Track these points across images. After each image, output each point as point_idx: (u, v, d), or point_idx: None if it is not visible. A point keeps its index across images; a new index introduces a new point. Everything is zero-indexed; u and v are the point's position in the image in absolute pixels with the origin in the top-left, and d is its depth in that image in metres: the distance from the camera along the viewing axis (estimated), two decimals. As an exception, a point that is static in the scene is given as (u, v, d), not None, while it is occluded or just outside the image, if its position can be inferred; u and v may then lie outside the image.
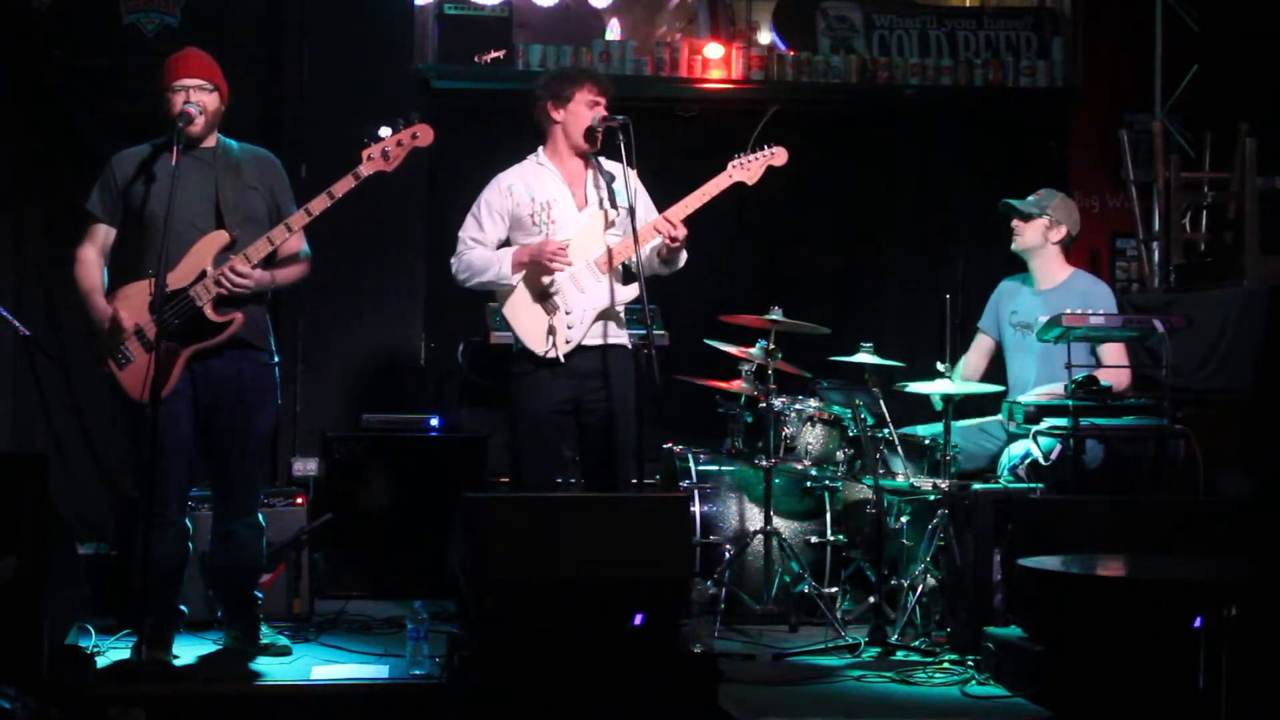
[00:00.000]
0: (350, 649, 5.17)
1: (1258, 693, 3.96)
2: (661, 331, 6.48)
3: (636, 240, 5.06)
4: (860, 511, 5.86)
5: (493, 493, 5.92)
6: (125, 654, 4.81)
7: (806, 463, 5.88)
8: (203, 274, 4.73)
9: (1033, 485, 5.34)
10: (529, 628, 4.28)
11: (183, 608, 5.07)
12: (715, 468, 6.01)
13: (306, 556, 5.66)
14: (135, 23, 6.74)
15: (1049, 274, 5.92)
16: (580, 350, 5.17)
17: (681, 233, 5.13)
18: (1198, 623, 3.66)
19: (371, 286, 6.80)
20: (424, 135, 4.89)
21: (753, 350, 5.83)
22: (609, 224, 5.24)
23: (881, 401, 5.72)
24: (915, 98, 7.36)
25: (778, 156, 5.29)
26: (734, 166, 5.24)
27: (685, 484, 5.91)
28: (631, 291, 5.20)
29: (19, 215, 6.64)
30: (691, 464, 5.98)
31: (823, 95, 7.36)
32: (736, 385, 5.96)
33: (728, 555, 5.76)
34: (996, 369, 6.07)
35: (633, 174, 5.15)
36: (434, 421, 6.51)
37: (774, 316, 5.72)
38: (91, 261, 4.85)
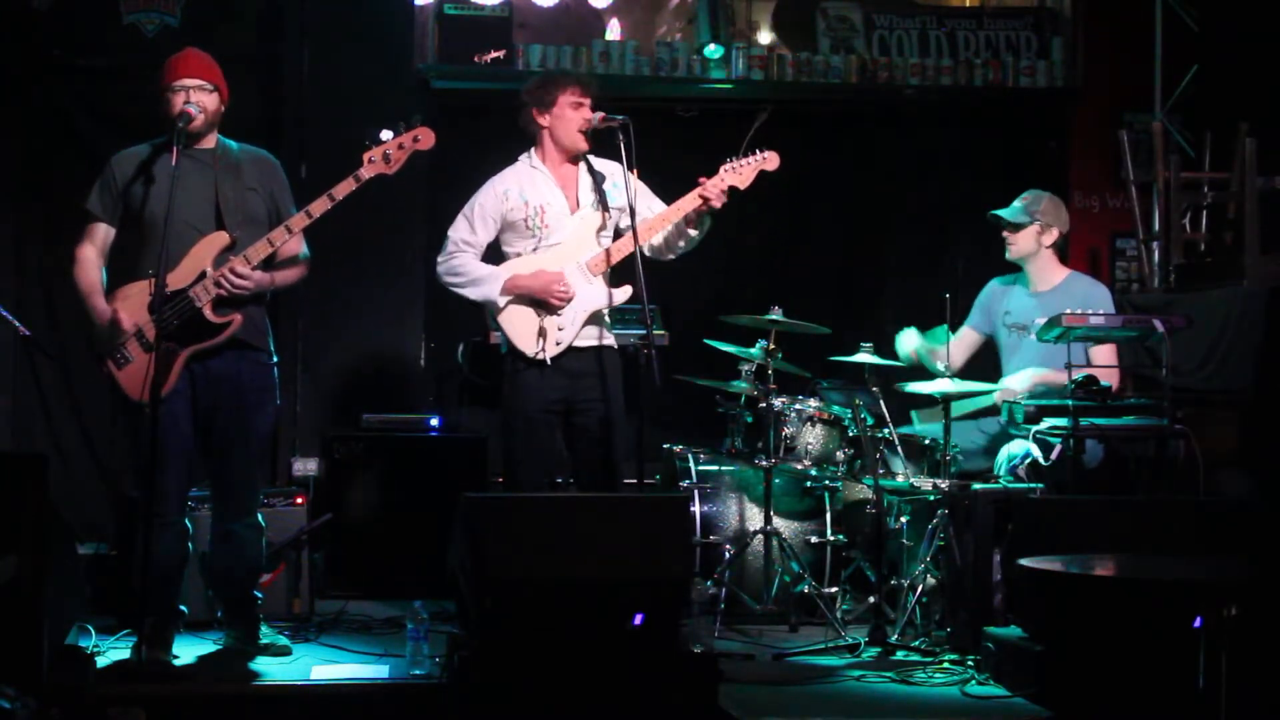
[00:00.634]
0: (350, 649, 5.16)
1: (1258, 693, 3.96)
2: (661, 331, 6.49)
3: (637, 239, 5.05)
4: (860, 511, 5.86)
5: (492, 493, 5.92)
6: (125, 654, 4.81)
7: (806, 463, 5.88)
8: (202, 275, 4.73)
9: (1033, 485, 5.34)
10: (529, 628, 4.28)
11: (183, 608, 5.08)
12: (715, 468, 6.01)
13: (306, 556, 5.65)
14: (135, 23, 6.74)
15: (1045, 277, 5.92)
16: (572, 351, 5.17)
17: (720, 196, 5.15)
18: (1198, 623, 3.66)
19: (371, 287, 6.80)
20: (425, 138, 4.88)
21: (753, 350, 5.83)
22: (601, 226, 5.25)
23: (881, 401, 5.72)
24: (915, 98, 7.36)
25: (769, 161, 5.28)
26: (726, 170, 5.24)
27: (685, 484, 5.91)
28: (623, 294, 5.21)
29: (19, 215, 6.64)
30: (691, 464, 5.98)
31: (823, 95, 7.36)
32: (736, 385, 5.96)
33: (728, 555, 5.76)
34: (986, 365, 6.06)
35: (632, 174, 5.15)
36: (434, 421, 6.51)
37: (774, 316, 5.72)
38: (90, 261, 4.85)
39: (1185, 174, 6.86)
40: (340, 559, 6.09)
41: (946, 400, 5.46)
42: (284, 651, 4.98)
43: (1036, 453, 5.38)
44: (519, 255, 5.23)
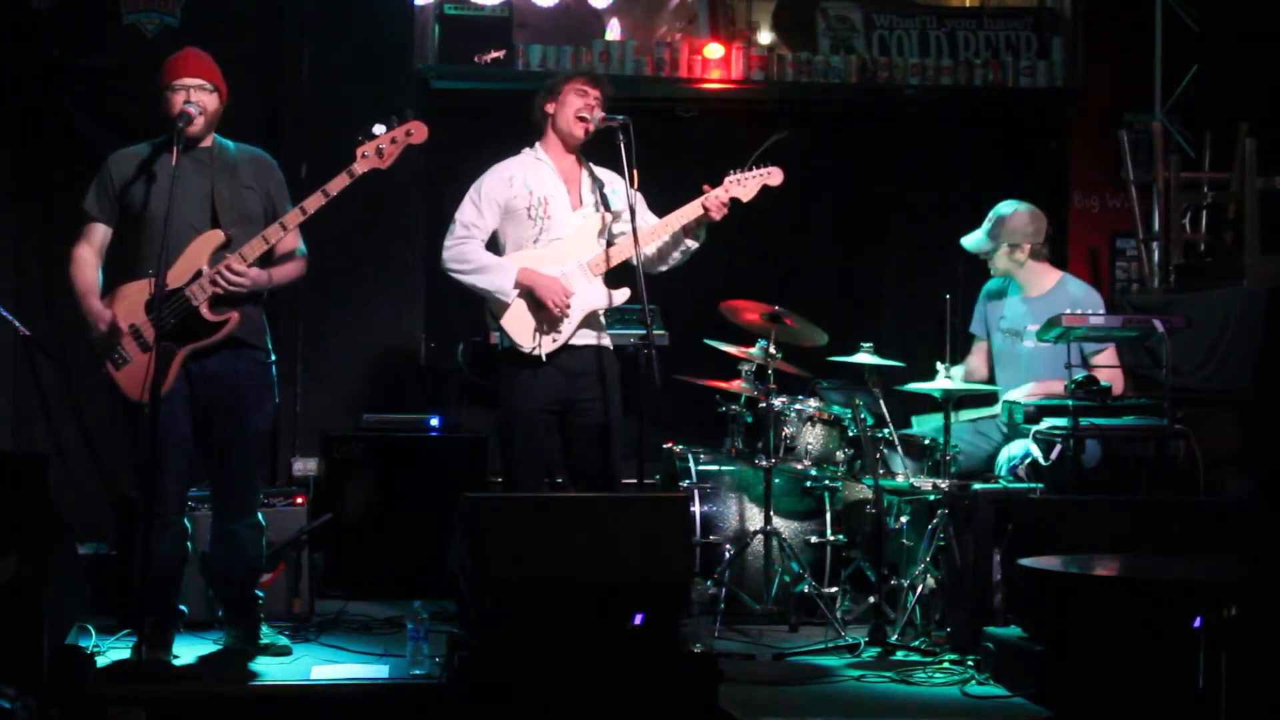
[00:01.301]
0: (350, 649, 5.16)
1: (1258, 693, 3.96)
2: (661, 331, 6.48)
3: (637, 243, 5.06)
4: (860, 511, 5.86)
5: (492, 493, 5.92)
6: (125, 654, 4.81)
7: (806, 463, 5.89)
8: (198, 273, 4.73)
9: (1033, 485, 5.34)
10: (529, 628, 4.28)
11: (182, 608, 5.07)
12: (715, 468, 6.01)
13: (306, 556, 5.65)
14: (135, 23, 6.74)
15: (1036, 283, 5.91)
16: (569, 350, 5.16)
17: (721, 209, 5.17)
18: (1198, 623, 3.66)
19: (371, 287, 6.80)
20: (418, 132, 4.87)
21: (753, 350, 5.82)
22: (602, 228, 5.25)
23: (881, 401, 5.72)
24: (915, 98, 7.36)
25: (773, 176, 5.28)
26: (730, 181, 5.24)
27: (685, 484, 5.91)
28: (622, 295, 5.21)
29: (19, 215, 6.65)
30: (691, 464, 5.98)
31: (823, 95, 7.36)
32: (736, 385, 5.96)
33: (728, 555, 5.76)
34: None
35: (632, 186, 5.15)
36: (434, 421, 6.51)
37: (774, 315, 5.72)
38: (87, 261, 4.84)
39: (1185, 174, 6.87)
40: (340, 559, 6.09)
41: (946, 400, 5.46)
42: (284, 651, 4.98)
43: (1036, 453, 5.38)
44: (519, 247, 5.22)
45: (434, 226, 6.62)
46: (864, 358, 5.69)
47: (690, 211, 5.16)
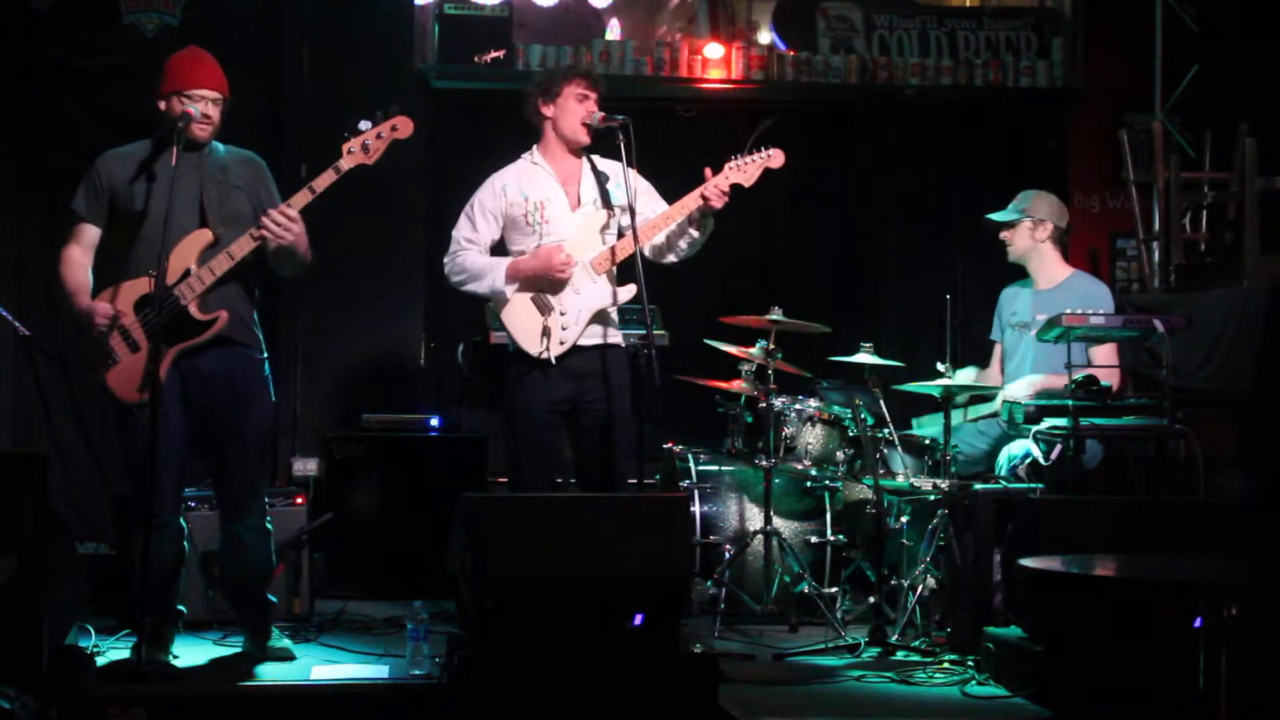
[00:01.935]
0: (350, 649, 5.16)
1: (1258, 693, 3.96)
2: (661, 331, 6.48)
3: (636, 239, 5.05)
4: (860, 511, 5.86)
5: (493, 493, 5.92)
6: (125, 654, 4.81)
7: (806, 463, 5.89)
8: (187, 273, 4.72)
9: (1033, 485, 5.34)
10: (529, 628, 4.28)
11: (181, 608, 5.07)
12: (715, 468, 6.01)
13: (306, 556, 5.65)
14: (135, 23, 6.74)
15: (1047, 274, 5.94)
16: (577, 350, 5.16)
17: (721, 202, 5.14)
18: (1198, 623, 3.66)
19: (371, 286, 6.80)
20: (403, 127, 4.86)
21: (753, 350, 5.82)
22: (604, 224, 5.24)
23: (881, 401, 5.72)
24: (915, 98, 7.36)
25: (774, 159, 5.27)
26: (730, 168, 5.23)
27: (685, 484, 5.91)
28: (627, 292, 5.19)
29: (19, 215, 6.64)
30: (691, 464, 5.98)
31: (823, 95, 7.37)
32: (736, 385, 5.96)
33: (728, 555, 5.76)
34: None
35: (632, 172, 5.14)
36: (434, 421, 6.51)
37: (774, 316, 5.72)
38: (77, 261, 4.83)
39: (1185, 174, 6.87)
40: (340, 559, 6.09)
41: (946, 399, 5.46)
42: (287, 656, 4.97)
43: (1036, 453, 5.38)
44: (521, 254, 5.22)
45: (434, 227, 6.64)
46: (864, 358, 5.69)
47: (690, 202, 5.15)
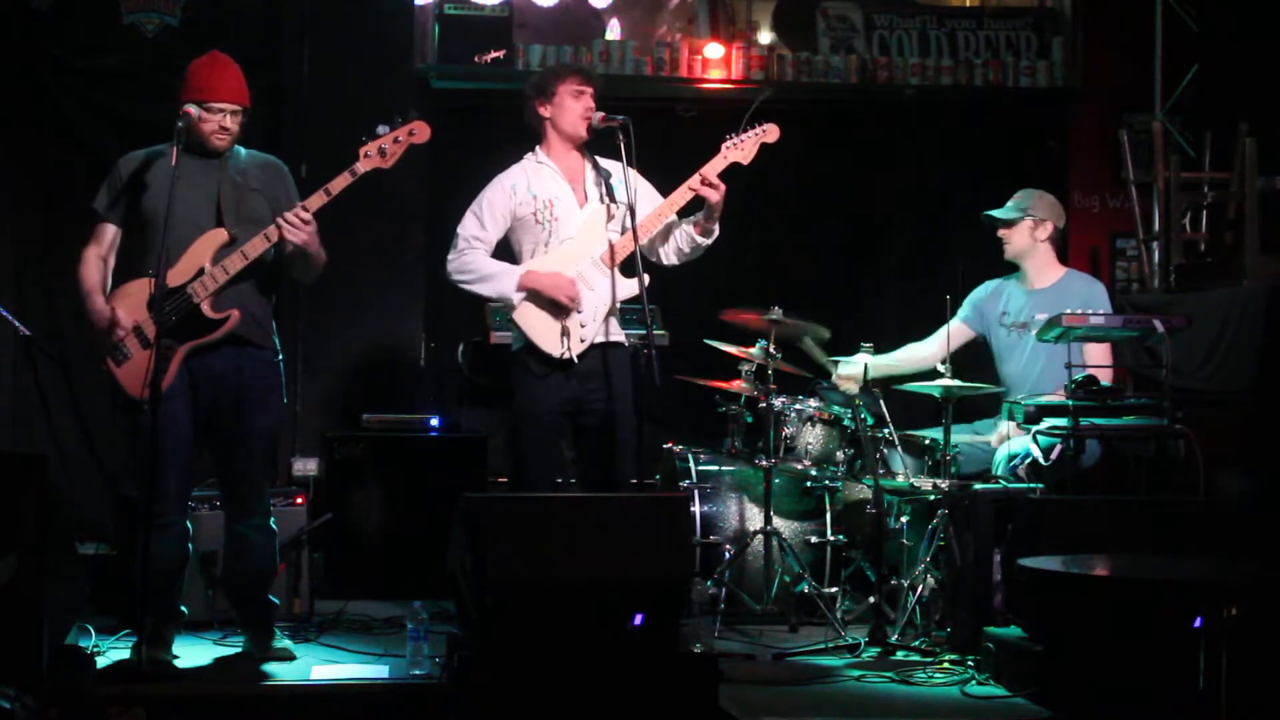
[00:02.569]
0: (350, 649, 5.16)
1: (1258, 693, 3.96)
2: (661, 331, 6.49)
3: (636, 238, 5.05)
4: (860, 511, 5.86)
5: (493, 493, 5.92)
6: (125, 654, 4.81)
7: (806, 463, 5.89)
8: (200, 271, 4.74)
9: (1033, 485, 5.34)
10: (529, 628, 4.28)
11: (182, 608, 5.07)
12: (715, 468, 6.01)
13: (306, 556, 5.65)
14: (135, 23, 6.74)
15: (1042, 274, 5.94)
16: (587, 349, 5.16)
17: (718, 193, 5.14)
18: (1198, 623, 3.66)
19: (371, 286, 6.79)
20: (421, 132, 4.89)
21: (753, 350, 5.82)
22: (610, 218, 5.24)
23: (881, 401, 5.72)
24: (915, 98, 7.36)
25: (769, 133, 5.27)
26: (728, 147, 5.24)
27: (685, 484, 5.91)
28: (633, 286, 5.18)
29: (19, 215, 6.64)
30: (691, 464, 5.98)
31: (823, 95, 7.36)
32: (736, 385, 5.96)
33: (728, 555, 5.76)
34: (978, 365, 6.06)
35: (633, 171, 5.14)
36: (434, 421, 6.51)
37: (774, 316, 5.72)
38: (94, 261, 4.85)
39: (1185, 174, 6.86)
40: (340, 559, 6.08)
41: (947, 400, 5.46)
42: (287, 656, 4.97)
43: (1036, 452, 5.38)
44: (532, 253, 5.21)
45: (434, 227, 6.64)
46: (864, 357, 5.69)
47: (681, 195, 5.15)
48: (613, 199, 5.21)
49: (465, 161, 6.24)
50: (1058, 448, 5.33)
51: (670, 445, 6.16)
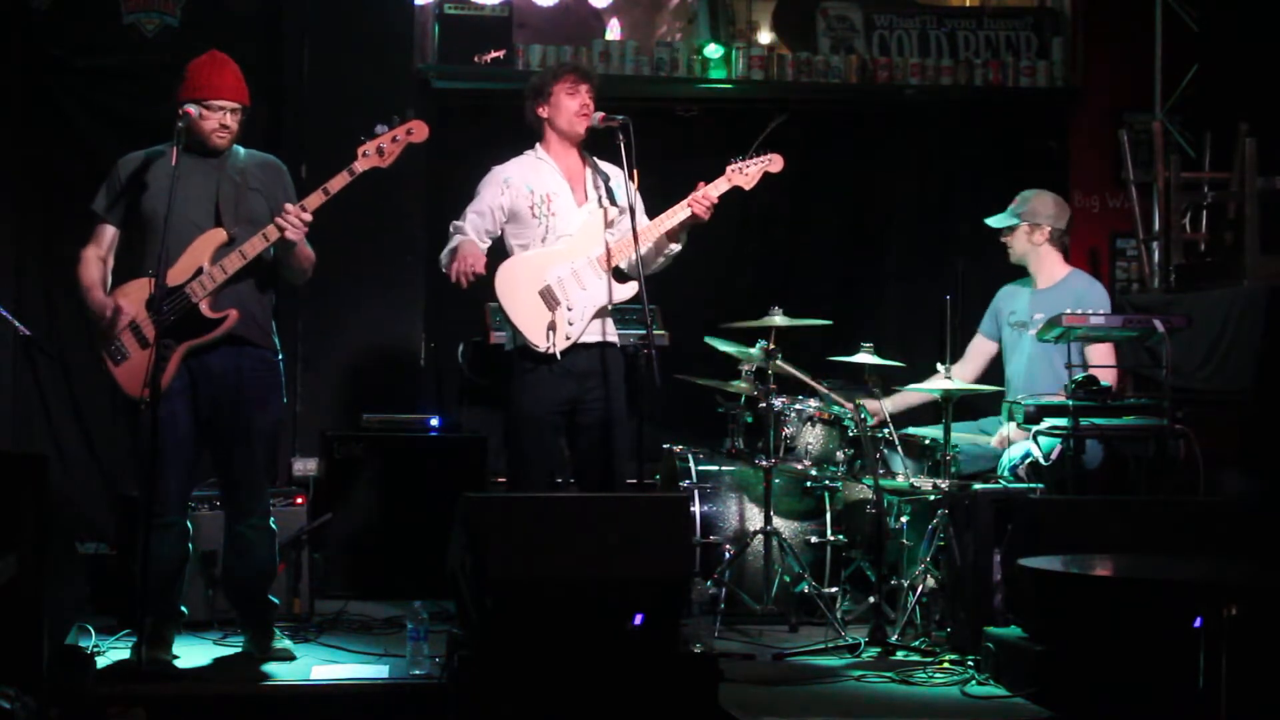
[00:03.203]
0: (350, 649, 5.16)
1: (1258, 693, 3.96)
2: (661, 331, 6.48)
3: (637, 241, 5.06)
4: (860, 511, 5.86)
5: (492, 493, 5.92)
6: (125, 654, 4.80)
7: (806, 463, 5.89)
8: (199, 270, 4.73)
9: (1033, 485, 5.34)
10: (529, 628, 4.28)
11: (182, 608, 5.07)
12: (715, 468, 6.01)
13: (306, 556, 5.65)
14: (135, 23, 6.74)
15: (1047, 273, 5.95)
16: (579, 348, 5.16)
17: (709, 214, 5.15)
18: (1198, 623, 3.66)
19: (371, 286, 6.79)
20: (419, 131, 4.89)
21: (752, 351, 5.82)
22: (608, 222, 5.24)
23: (878, 391, 5.72)
24: (915, 98, 7.36)
25: (774, 163, 5.28)
26: (732, 170, 5.25)
27: (685, 484, 5.91)
28: (629, 290, 5.20)
29: (19, 215, 6.64)
30: (691, 464, 5.98)
31: (823, 95, 7.36)
32: (736, 385, 5.96)
33: (728, 555, 5.76)
34: (996, 371, 6.08)
35: (632, 185, 5.15)
36: (434, 421, 6.51)
37: (774, 317, 5.71)
38: (93, 261, 4.85)
39: (1185, 174, 6.86)
40: (340, 559, 6.09)
41: (946, 400, 5.46)
42: (287, 656, 4.97)
43: (1036, 453, 5.38)
44: (526, 248, 5.22)
45: (434, 227, 6.63)
46: (864, 358, 5.69)
47: (678, 212, 5.16)
48: (612, 202, 5.22)
49: (465, 161, 6.22)
50: (1058, 448, 5.33)
51: (670, 445, 6.16)
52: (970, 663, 4.96)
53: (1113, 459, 5.58)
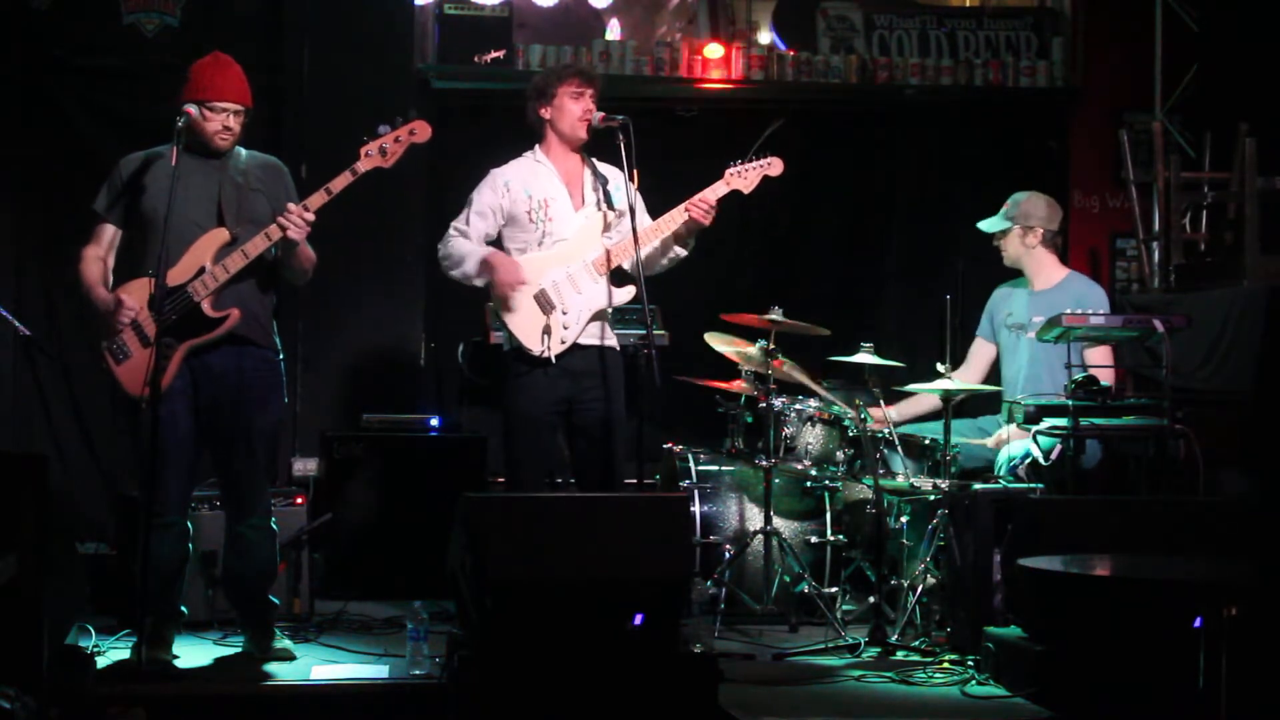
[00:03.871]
0: (350, 649, 5.16)
1: (1258, 693, 3.96)
2: (661, 331, 6.48)
3: (637, 241, 5.06)
4: (860, 511, 5.86)
5: (492, 493, 5.92)
6: (125, 654, 4.81)
7: (806, 463, 5.89)
8: (201, 270, 4.74)
9: (1033, 485, 5.34)
10: (529, 628, 4.28)
11: (182, 608, 5.07)
12: (715, 468, 6.01)
13: (306, 556, 5.65)
14: (135, 23, 6.74)
15: (1043, 275, 5.95)
16: (576, 350, 5.17)
17: (710, 218, 5.15)
18: (1198, 623, 3.66)
19: (371, 286, 6.79)
20: (421, 132, 4.90)
21: (752, 351, 5.82)
22: (606, 226, 5.25)
23: (882, 402, 5.72)
24: (915, 98, 7.36)
25: (773, 167, 5.28)
26: (731, 174, 5.25)
27: (685, 484, 5.91)
28: (626, 293, 5.21)
29: (19, 215, 6.64)
30: (691, 464, 5.98)
31: (823, 95, 7.36)
32: (736, 385, 5.96)
33: (728, 555, 5.76)
34: (997, 372, 6.08)
35: (632, 186, 5.15)
36: (434, 421, 6.51)
37: (774, 316, 5.71)
38: (94, 260, 4.86)
39: (1185, 174, 6.86)
40: (340, 559, 6.08)
41: (946, 400, 5.46)
42: (287, 656, 4.97)
43: (1036, 453, 5.38)
44: (523, 251, 5.22)
45: (434, 227, 6.62)
46: (864, 358, 5.69)
47: (677, 216, 5.16)
48: (610, 206, 5.22)
49: (465, 161, 6.22)
50: (1058, 448, 5.33)
51: (670, 445, 6.16)
52: (970, 663, 4.96)
53: (1112, 459, 5.58)
